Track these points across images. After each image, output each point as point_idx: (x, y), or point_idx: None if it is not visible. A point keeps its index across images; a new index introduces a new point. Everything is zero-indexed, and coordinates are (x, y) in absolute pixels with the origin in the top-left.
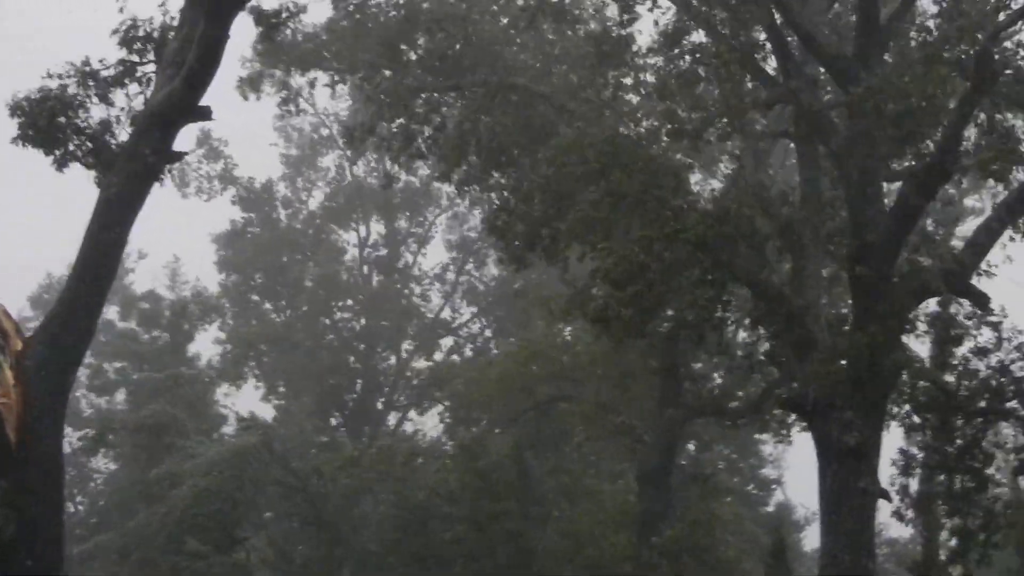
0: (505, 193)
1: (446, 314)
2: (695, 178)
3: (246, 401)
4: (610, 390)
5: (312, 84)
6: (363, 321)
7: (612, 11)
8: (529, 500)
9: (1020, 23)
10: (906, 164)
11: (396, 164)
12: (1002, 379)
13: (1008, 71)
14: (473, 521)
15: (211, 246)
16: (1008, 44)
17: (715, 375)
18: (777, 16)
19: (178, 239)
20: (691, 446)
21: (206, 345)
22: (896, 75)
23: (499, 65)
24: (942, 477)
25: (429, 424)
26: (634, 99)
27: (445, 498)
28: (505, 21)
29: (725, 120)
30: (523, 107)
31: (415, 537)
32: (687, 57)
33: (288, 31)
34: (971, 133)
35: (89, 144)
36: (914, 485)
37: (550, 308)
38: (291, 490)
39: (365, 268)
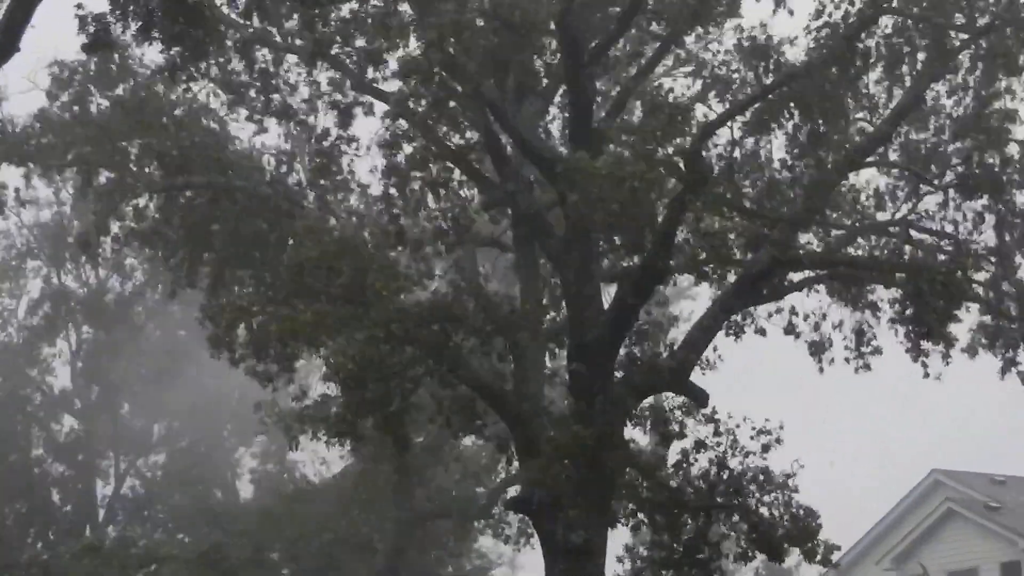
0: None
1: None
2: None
3: None
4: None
5: (28, 179)
6: (75, 427)
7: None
8: None
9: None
10: (622, 264)
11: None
12: (719, 474)
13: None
14: None
15: None
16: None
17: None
18: (492, 119)
19: None
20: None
21: None
22: (609, 177)
23: (224, 167)
24: (670, 573)
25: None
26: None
27: None
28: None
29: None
30: (247, 212)
31: None
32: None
33: None
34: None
35: None
36: None
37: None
38: None
39: (79, 380)
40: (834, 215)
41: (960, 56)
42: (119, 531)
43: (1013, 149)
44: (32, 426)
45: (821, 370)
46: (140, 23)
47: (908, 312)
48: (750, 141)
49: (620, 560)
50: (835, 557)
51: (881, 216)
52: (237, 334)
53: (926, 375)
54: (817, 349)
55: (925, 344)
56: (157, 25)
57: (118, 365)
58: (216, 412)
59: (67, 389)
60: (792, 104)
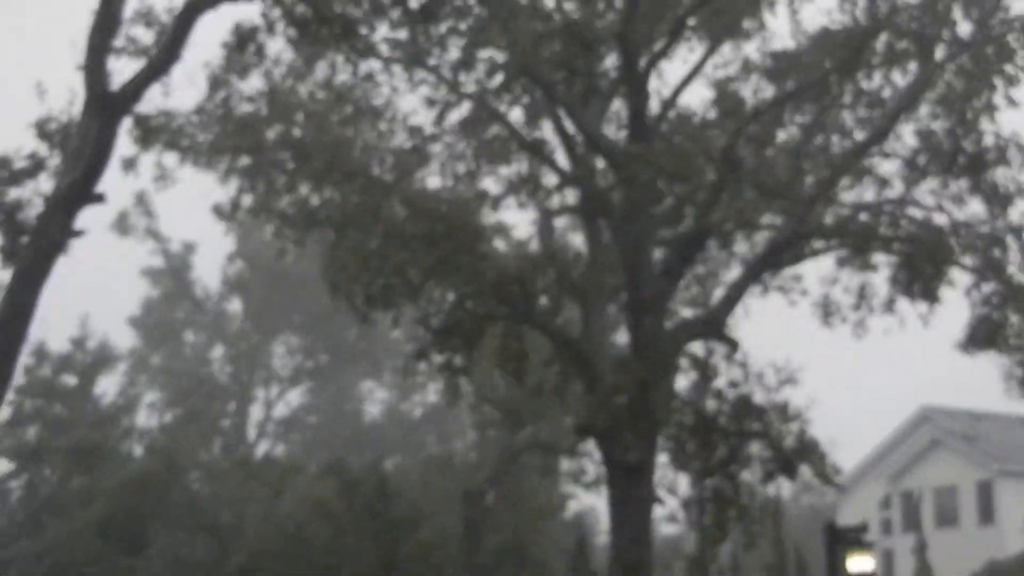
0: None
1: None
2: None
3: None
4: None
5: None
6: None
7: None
8: (386, 511)
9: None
10: (670, 233)
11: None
12: (746, 407)
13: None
14: (339, 528)
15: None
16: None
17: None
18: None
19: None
20: None
21: (109, 384)
22: (660, 153)
23: (341, 150)
24: (707, 484)
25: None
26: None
27: (315, 508)
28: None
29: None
30: (359, 189)
31: (291, 541)
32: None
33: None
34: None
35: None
36: (684, 493)
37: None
38: (188, 507)
39: (245, 325)
40: (845, 194)
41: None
42: (267, 448)
43: (988, 139)
44: (204, 360)
45: (828, 325)
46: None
47: (904, 275)
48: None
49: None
50: (839, 479)
51: (884, 194)
52: (353, 287)
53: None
54: (827, 311)
55: (917, 302)
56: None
57: (275, 313)
58: (351, 351)
59: (237, 329)
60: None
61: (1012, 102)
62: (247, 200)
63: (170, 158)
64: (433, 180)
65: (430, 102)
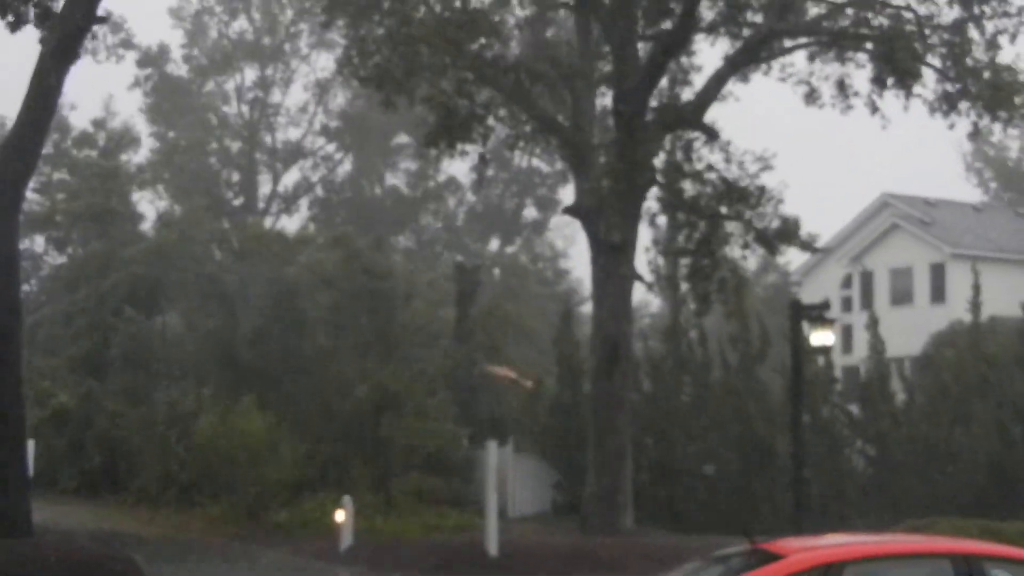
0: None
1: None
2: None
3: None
4: None
5: None
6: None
7: None
8: (385, 280)
9: None
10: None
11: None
12: (726, 189)
13: None
14: (340, 297)
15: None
16: None
17: None
18: None
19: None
20: None
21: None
22: None
23: None
24: (687, 261)
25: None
26: None
27: (317, 275)
28: None
29: None
30: None
31: (296, 309)
32: None
33: None
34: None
35: (36, 9)
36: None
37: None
38: (200, 276)
39: (244, 107)
40: None
41: None
42: (272, 221)
43: None
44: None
45: (815, 105)
46: None
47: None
48: None
49: (647, 250)
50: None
51: None
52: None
53: (883, 127)
54: (810, 98)
55: (890, 89)
56: None
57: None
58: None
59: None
60: None
61: None
62: None
63: None
64: None
65: None
